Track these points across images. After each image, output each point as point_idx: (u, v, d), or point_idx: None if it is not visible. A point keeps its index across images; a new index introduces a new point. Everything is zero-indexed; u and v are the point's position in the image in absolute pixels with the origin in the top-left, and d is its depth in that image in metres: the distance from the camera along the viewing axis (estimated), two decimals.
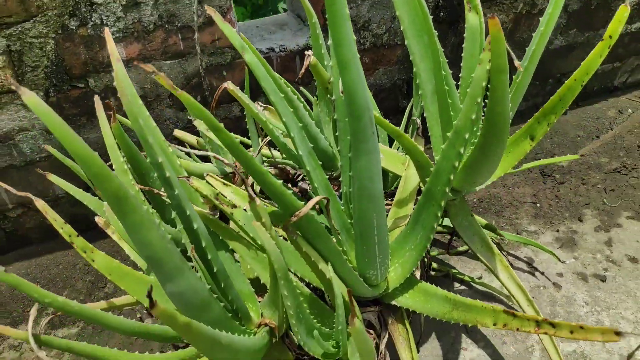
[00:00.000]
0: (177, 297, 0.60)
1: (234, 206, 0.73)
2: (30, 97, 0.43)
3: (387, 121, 0.75)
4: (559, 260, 1.39)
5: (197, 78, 1.35)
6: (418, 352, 1.18)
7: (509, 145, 0.97)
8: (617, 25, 0.71)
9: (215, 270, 0.64)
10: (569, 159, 1.32)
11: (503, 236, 1.34)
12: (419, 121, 1.01)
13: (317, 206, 0.63)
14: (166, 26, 1.23)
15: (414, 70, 0.87)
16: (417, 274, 0.87)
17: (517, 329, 0.62)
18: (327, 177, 0.83)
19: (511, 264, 1.42)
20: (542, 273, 1.38)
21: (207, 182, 0.89)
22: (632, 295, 1.31)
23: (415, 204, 0.89)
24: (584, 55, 0.80)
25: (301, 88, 1.21)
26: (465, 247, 1.40)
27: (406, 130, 1.15)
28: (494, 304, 1.07)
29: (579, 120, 2.04)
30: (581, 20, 1.83)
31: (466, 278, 1.34)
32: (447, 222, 1.28)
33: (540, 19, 0.84)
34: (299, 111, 0.79)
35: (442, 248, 1.43)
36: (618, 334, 0.52)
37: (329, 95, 0.79)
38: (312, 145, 0.77)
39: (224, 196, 0.76)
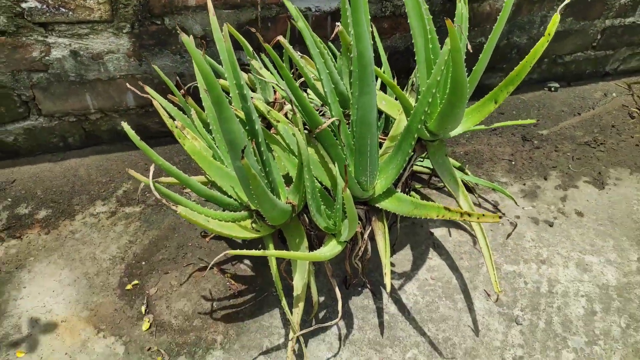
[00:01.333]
0: (239, 170, 0.97)
1: (277, 121, 1.08)
2: (185, 38, 0.78)
3: (386, 76, 1.09)
4: (517, 205, 1.75)
5: (247, 26, 1.68)
6: (392, 256, 1.58)
7: (479, 105, 1.31)
8: (552, 26, 1.02)
9: (264, 159, 1.01)
10: (527, 123, 1.64)
11: (468, 173, 1.70)
12: (414, 79, 1.34)
13: (331, 127, 0.98)
14: None
15: (413, 42, 1.20)
16: (398, 190, 1.23)
17: (449, 218, 0.98)
18: (342, 111, 1.18)
19: (479, 205, 1.78)
20: (504, 214, 1.75)
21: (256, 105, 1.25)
22: (570, 239, 1.67)
23: None
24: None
25: (329, 43, 1.54)
26: (442, 184, 1.75)
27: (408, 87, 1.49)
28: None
29: (567, 97, 2.33)
30: (577, 11, 2.08)
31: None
32: (428, 164, 1.65)
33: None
34: (327, 62, 1.13)
35: (424, 184, 1.79)
36: (500, 217, 0.87)
37: (349, 53, 1.12)
38: (334, 86, 1.11)
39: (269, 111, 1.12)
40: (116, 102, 1.72)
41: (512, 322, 1.40)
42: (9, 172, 1.74)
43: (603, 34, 2.23)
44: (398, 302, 1.44)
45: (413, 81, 1.34)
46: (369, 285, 1.46)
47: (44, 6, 1.43)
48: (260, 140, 0.98)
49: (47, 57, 1.55)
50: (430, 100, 0.98)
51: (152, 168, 0.97)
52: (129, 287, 1.42)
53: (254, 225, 1.14)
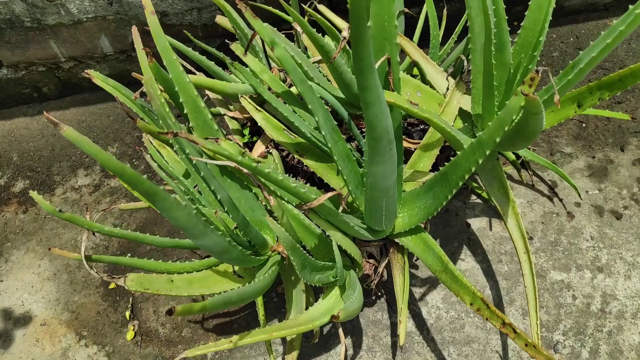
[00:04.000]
0: (204, 247, 0.70)
1: (258, 162, 0.77)
2: (68, 130, 0.47)
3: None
4: (580, 196, 1.41)
5: None
6: (416, 258, 1.33)
7: (555, 109, 0.93)
8: None
9: (238, 222, 0.73)
10: (620, 117, 1.23)
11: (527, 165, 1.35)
12: (465, 63, 0.95)
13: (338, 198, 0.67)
14: None
15: (468, 24, 0.80)
16: (423, 225, 0.94)
17: (486, 319, 0.71)
18: (356, 115, 0.85)
19: (533, 185, 1.45)
20: (561, 200, 1.42)
21: (242, 103, 0.92)
22: None
23: (436, 161, 0.91)
24: None
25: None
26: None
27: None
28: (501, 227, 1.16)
29: None
30: None
31: (484, 194, 1.39)
32: None
33: None
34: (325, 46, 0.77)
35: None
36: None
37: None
38: (344, 96, 0.77)
39: (250, 139, 0.81)
40: (88, 48, 1.40)
41: (550, 349, 1.19)
42: None
43: None
44: (417, 316, 1.23)
45: (464, 63, 0.95)
46: (385, 296, 1.25)
47: None
48: (227, 208, 0.69)
49: None
50: (479, 160, 0.64)
51: (84, 239, 0.71)
52: (112, 285, 1.26)
53: (236, 268, 0.91)
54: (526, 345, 0.66)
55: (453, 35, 1.30)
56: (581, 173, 1.46)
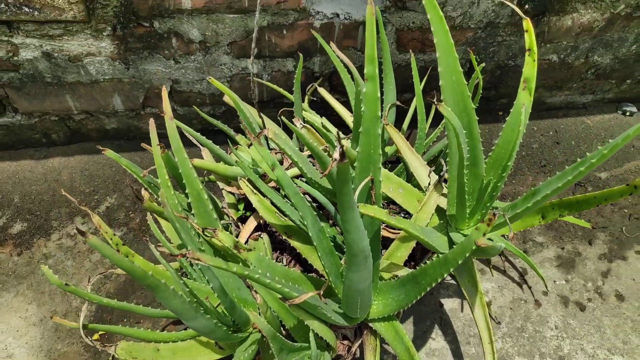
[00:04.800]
0: (193, 328, 0.77)
1: (249, 250, 0.86)
2: (92, 239, 0.55)
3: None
4: (546, 287, 1.50)
5: (257, 33, 1.36)
6: None
7: (522, 218, 1.03)
8: None
9: (225, 306, 0.80)
10: (582, 224, 1.36)
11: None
12: (444, 168, 1.05)
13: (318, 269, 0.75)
14: None
15: (447, 142, 0.90)
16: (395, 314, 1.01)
17: None
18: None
19: (505, 271, 1.53)
20: (530, 287, 1.51)
21: (240, 185, 1.01)
22: (601, 331, 1.43)
23: (413, 252, 0.99)
24: None
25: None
26: None
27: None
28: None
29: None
30: None
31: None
32: None
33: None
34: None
35: None
36: None
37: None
38: (332, 187, 0.86)
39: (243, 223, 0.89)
40: (101, 104, 1.49)
41: None
42: None
43: None
44: None
45: (443, 169, 1.06)
46: None
47: (3, 5, 1.17)
48: (217, 294, 0.77)
49: (15, 58, 1.31)
50: (451, 269, 0.73)
51: (84, 309, 0.78)
52: (96, 337, 1.31)
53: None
54: None
55: (440, 126, 1.43)
56: (550, 262, 1.56)
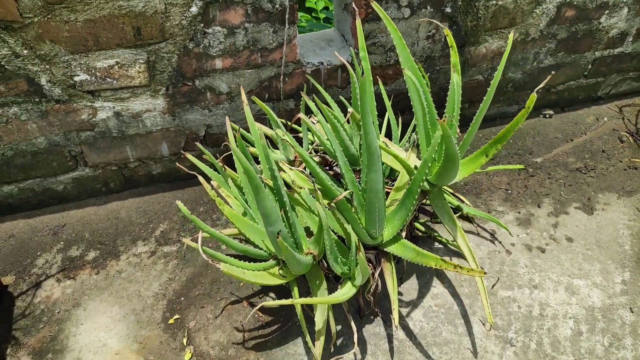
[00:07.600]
0: (271, 234, 1.18)
1: (301, 187, 1.29)
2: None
3: (392, 150, 1.29)
4: (511, 235, 1.94)
5: (267, 82, 1.88)
6: (400, 285, 1.77)
7: (473, 157, 1.50)
8: (531, 102, 1.21)
9: (290, 222, 1.22)
10: (516, 168, 1.84)
11: (465, 212, 1.90)
12: (416, 137, 1.54)
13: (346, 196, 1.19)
14: (251, 47, 1.76)
15: (414, 109, 1.40)
16: (403, 235, 1.43)
17: (445, 269, 1.18)
18: (352, 169, 1.39)
19: (478, 234, 1.97)
20: (500, 242, 1.94)
21: (280, 167, 1.46)
22: (560, 264, 1.85)
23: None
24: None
25: (340, 97, 1.74)
26: None
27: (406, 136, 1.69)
28: (456, 258, 1.66)
29: (561, 124, 2.51)
30: (569, 46, 2.26)
31: (443, 240, 1.90)
32: None
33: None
34: (340, 133, 1.34)
35: (428, 216, 1.98)
36: (485, 273, 1.07)
37: (359, 131, 1.33)
38: (347, 159, 1.32)
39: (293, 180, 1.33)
40: (152, 151, 1.94)
41: (507, 344, 1.60)
42: (59, 217, 1.97)
43: (594, 64, 2.41)
44: (406, 328, 1.64)
45: (414, 139, 1.54)
46: (380, 314, 1.67)
47: (93, 78, 1.65)
48: (287, 208, 1.19)
49: (93, 119, 1.77)
50: (427, 170, 1.18)
51: (200, 236, 1.18)
52: (171, 321, 1.63)
53: (281, 272, 1.35)
54: (468, 271, 1.13)
55: (406, 136, 1.94)
56: (512, 223, 2.01)
